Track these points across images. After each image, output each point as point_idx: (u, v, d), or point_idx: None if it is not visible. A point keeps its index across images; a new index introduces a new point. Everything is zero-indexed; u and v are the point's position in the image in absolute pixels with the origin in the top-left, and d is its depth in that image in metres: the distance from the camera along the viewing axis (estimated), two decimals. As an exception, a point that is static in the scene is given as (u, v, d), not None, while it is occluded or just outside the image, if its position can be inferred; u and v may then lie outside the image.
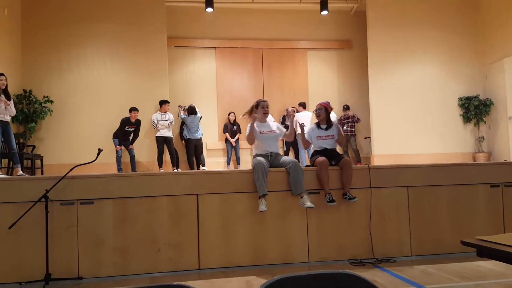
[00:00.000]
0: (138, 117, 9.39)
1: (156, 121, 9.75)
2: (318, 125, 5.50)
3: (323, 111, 5.46)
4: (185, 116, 10.24)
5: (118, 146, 9.21)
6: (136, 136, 9.53)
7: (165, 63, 10.49)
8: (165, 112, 9.92)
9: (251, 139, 5.17)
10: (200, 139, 10.27)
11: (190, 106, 10.26)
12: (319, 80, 12.02)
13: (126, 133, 9.32)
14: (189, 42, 11.48)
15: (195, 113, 10.16)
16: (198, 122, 10.18)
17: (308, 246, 5.00)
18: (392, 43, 10.97)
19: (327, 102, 5.63)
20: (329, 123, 5.47)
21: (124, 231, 4.71)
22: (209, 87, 11.53)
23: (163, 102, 9.98)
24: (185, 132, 10.32)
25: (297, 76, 11.98)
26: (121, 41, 10.27)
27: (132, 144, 9.43)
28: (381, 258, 4.99)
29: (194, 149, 10.20)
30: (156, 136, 9.74)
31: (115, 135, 9.34)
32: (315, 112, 5.53)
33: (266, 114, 5.28)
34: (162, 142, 9.74)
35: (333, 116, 10.45)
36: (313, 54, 12.09)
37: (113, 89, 10.15)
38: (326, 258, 5.02)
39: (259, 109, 5.30)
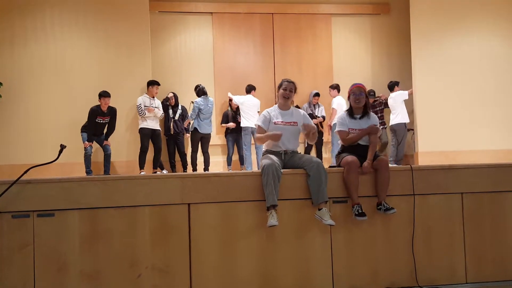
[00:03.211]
0: (110, 105, 9.36)
1: (143, 107, 9.68)
2: (350, 113, 5.45)
3: (364, 96, 5.43)
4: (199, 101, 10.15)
5: (86, 142, 9.20)
6: (112, 128, 9.54)
7: (147, 34, 10.49)
8: (153, 97, 9.89)
9: (260, 142, 5.32)
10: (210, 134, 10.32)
11: (199, 86, 10.20)
12: (347, 55, 11.97)
13: (97, 125, 9.31)
14: (179, 6, 11.46)
15: (206, 93, 10.12)
16: (213, 110, 10.07)
17: (332, 271, 4.98)
18: (443, 7, 10.86)
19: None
20: (365, 112, 5.45)
21: (94, 252, 4.71)
22: (204, 65, 11.51)
23: (151, 84, 9.94)
24: (195, 123, 10.25)
25: (319, 50, 11.93)
26: (91, 5, 10.27)
27: (107, 139, 9.45)
28: (428, 286, 4.97)
29: (201, 144, 10.18)
30: (141, 128, 9.71)
31: (84, 128, 9.34)
32: (352, 97, 5.42)
33: (286, 98, 5.32)
34: (148, 136, 9.70)
35: (403, 95, 10.39)
36: (340, 21, 12.02)
37: (81, 67, 10.16)
38: (356, 286, 5.00)
39: (280, 90, 5.37)
